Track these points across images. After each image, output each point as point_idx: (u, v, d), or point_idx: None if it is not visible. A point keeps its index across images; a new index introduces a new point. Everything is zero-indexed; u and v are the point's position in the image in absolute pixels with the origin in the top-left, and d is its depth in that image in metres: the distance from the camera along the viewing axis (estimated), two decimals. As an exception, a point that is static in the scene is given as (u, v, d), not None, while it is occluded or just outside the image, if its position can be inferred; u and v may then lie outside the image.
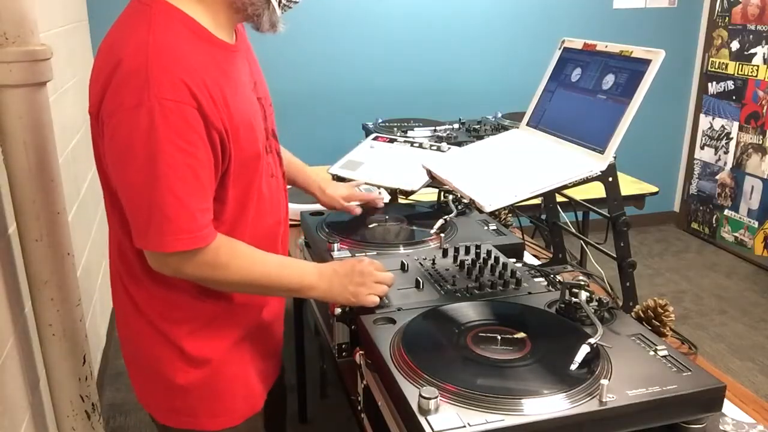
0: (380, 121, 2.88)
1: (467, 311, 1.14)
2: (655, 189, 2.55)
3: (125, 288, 1.15)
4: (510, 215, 1.83)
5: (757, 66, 3.83)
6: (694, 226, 4.42)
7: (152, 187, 0.96)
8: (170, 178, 0.96)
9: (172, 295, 1.12)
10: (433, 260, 1.37)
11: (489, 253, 1.39)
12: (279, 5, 1.08)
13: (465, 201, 1.71)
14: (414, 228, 1.58)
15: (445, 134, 2.62)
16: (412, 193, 1.72)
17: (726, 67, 4.07)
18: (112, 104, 0.96)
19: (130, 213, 1.01)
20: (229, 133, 1.03)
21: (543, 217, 1.63)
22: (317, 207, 1.66)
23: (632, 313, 1.26)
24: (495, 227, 1.60)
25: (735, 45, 4.00)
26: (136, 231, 1.01)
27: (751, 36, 3.87)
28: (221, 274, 1.06)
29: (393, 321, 1.11)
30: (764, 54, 3.79)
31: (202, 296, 1.13)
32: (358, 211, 1.60)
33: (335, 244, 1.39)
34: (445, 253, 1.40)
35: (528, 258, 1.64)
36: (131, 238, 1.04)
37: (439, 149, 1.89)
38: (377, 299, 1.16)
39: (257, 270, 1.10)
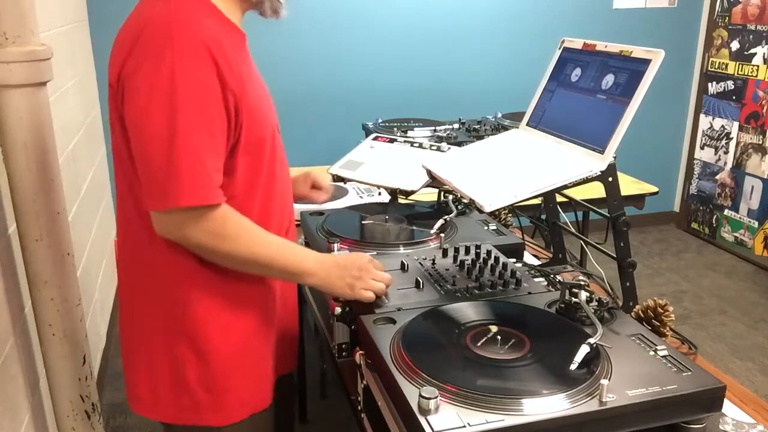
0: (380, 121, 2.88)
1: (467, 311, 1.13)
2: (655, 189, 2.55)
3: (142, 257, 1.14)
4: (510, 215, 1.83)
5: (757, 66, 3.83)
6: (694, 226, 4.42)
7: (172, 139, 0.99)
8: (189, 132, 0.99)
9: (189, 260, 1.11)
10: (433, 260, 1.37)
11: (489, 253, 1.39)
12: None
13: (465, 201, 1.71)
14: (414, 228, 1.58)
15: (445, 134, 2.62)
16: (412, 193, 1.72)
17: (726, 67, 4.07)
18: (135, 62, 1.01)
19: (147, 170, 1.03)
20: (242, 103, 1.06)
21: (543, 217, 1.63)
22: (317, 207, 1.66)
23: (632, 313, 1.26)
24: (495, 227, 1.60)
25: (735, 45, 4.00)
26: (152, 189, 1.03)
27: (751, 36, 3.87)
28: (225, 246, 1.07)
29: (393, 321, 1.10)
30: (764, 54, 3.79)
31: (219, 270, 1.13)
32: (322, 198, 1.60)
33: (335, 244, 1.39)
34: (445, 253, 1.40)
35: (528, 258, 1.64)
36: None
37: (439, 149, 1.89)
38: (372, 295, 1.16)
39: (260, 247, 1.11)
